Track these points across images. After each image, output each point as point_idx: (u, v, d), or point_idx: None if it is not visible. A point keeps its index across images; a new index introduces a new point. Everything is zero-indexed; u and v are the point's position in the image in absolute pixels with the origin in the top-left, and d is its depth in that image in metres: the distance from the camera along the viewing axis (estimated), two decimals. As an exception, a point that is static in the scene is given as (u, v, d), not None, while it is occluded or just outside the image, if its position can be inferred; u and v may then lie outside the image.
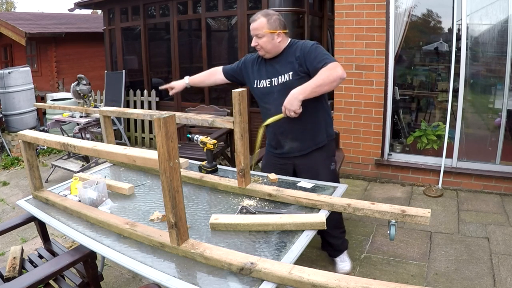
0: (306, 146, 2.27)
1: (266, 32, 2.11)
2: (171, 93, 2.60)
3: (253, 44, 2.18)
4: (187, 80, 2.55)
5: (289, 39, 2.23)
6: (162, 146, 1.26)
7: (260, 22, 2.12)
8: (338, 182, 2.50)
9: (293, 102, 1.94)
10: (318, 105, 2.22)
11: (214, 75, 2.55)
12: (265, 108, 2.28)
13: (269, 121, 2.12)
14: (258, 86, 2.26)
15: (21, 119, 5.95)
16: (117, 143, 2.21)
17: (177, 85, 2.55)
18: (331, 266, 2.63)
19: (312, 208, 1.74)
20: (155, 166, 1.32)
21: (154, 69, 6.41)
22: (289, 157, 2.32)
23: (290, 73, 2.14)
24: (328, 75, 1.96)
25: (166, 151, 1.26)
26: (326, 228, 2.56)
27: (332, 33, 4.35)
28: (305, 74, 2.10)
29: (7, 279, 1.89)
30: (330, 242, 2.58)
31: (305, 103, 1.97)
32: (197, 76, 2.58)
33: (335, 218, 2.53)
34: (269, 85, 2.21)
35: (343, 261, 2.59)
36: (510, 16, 3.48)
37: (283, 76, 2.16)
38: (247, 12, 4.93)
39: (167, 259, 1.44)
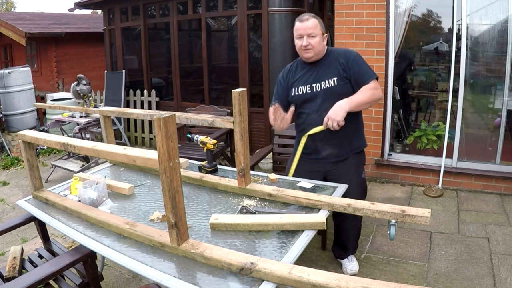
0: (344, 152, 2.27)
1: (320, 32, 2.13)
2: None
3: (304, 43, 2.13)
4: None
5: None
6: (162, 146, 1.26)
7: (313, 22, 2.12)
8: (366, 190, 2.54)
9: (339, 112, 1.97)
10: (359, 113, 2.27)
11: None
12: (305, 114, 2.25)
13: (312, 131, 2.15)
14: (297, 93, 2.24)
15: (21, 119, 5.95)
16: (117, 143, 2.21)
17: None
18: (331, 266, 2.64)
19: (312, 208, 1.74)
20: (155, 166, 1.32)
21: (154, 69, 6.41)
22: (323, 163, 2.30)
23: (335, 78, 2.15)
24: (372, 94, 2.08)
25: (166, 151, 1.26)
26: (348, 235, 2.58)
27: (332, 33, 4.35)
28: (349, 80, 2.15)
29: (7, 279, 1.89)
30: (347, 247, 2.58)
31: (349, 111, 2.02)
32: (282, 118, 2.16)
33: (359, 226, 2.57)
34: (309, 91, 2.20)
35: (351, 261, 2.59)
36: (510, 16, 3.48)
37: (327, 81, 2.16)
38: (247, 12, 4.94)
39: (167, 259, 1.44)
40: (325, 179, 2.34)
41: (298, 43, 2.17)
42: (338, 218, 2.49)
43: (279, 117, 2.09)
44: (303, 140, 2.23)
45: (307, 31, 2.11)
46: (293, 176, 2.30)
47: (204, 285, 1.28)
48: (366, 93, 2.06)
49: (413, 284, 2.34)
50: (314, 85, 2.18)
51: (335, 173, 2.30)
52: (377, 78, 2.14)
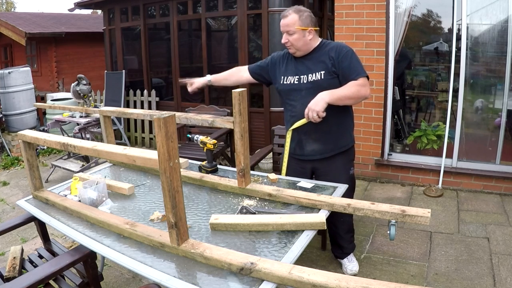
0: (328, 150, 2.26)
1: (297, 28, 2.09)
2: (190, 89, 2.43)
3: (283, 40, 2.14)
4: (209, 78, 2.44)
5: (320, 39, 2.23)
6: (162, 146, 1.26)
7: (291, 19, 2.09)
8: (354, 186, 2.51)
9: (319, 102, 1.95)
10: (345, 109, 2.23)
11: (238, 74, 2.47)
12: (290, 106, 2.25)
13: (296, 125, 2.15)
14: (285, 82, 2.24)
15: (21, 119, 5.95)
16: (117, 143, 2.21)
17: (198, 81, 2.42)
18: (331, 266, 2.64)
19: (312, 208, 1.74)
20: (155, 166, 1.32)
21: (154, 69, 6.41)
22: (309, 160, 2.30)
23: (322, 72, 2.13)
24: (357, 91, 2.03)
25: (166, 151, 1.26)
26: (338, 231, 2.57)
27: (332, 33, 4.35)
28: (337, 75, 2.12)
29: (7, 279, 1.90)
30: (341, 245, 2.58)
31: (332, 106, 1.99)
32: (219, 74, 2.48)
33: (348, 222, 2.55)
34: (296, 82, 2.20)
35: (351, 262, 2.59)
36: (510, 16, 3.48)
37: (314, 74, 2.15)
38: (247, 12, 4.94)
39: (167, 259, 1.44)
40: (313, 176, 2.35)
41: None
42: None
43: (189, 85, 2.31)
44: (289, 135, 2.24)
45: (284, 28, 2.11)
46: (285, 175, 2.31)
47: (204, 285, 1.28)
48: (351, 88, 2.03)
49: (413, 284, 2.34)
50: (301, 76, 2.18)
51: (323, 170, 2.30)
52: (367, 77, 2.10)
